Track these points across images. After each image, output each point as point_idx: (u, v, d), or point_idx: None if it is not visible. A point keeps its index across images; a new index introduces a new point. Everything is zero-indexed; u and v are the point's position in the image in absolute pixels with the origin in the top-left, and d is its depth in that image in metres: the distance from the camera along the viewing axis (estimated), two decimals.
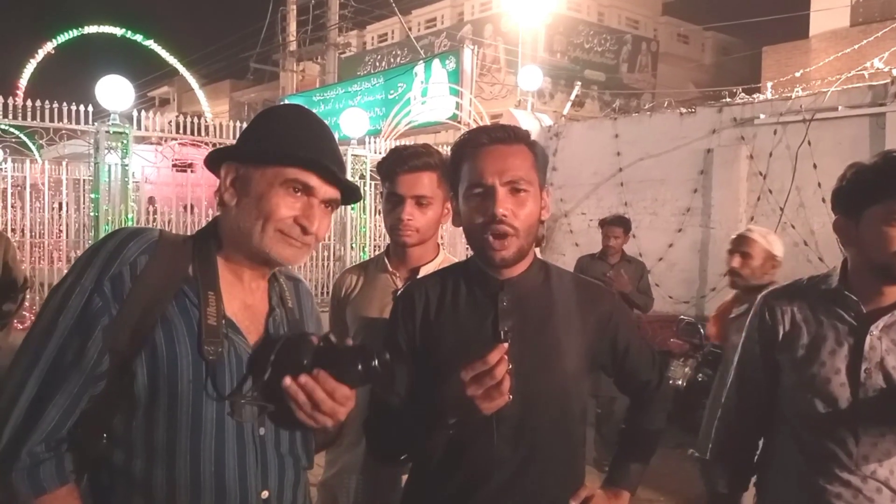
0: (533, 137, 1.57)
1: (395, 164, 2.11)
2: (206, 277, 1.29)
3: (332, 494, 2.27)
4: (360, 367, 1.22)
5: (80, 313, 1.20)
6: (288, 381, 1.21)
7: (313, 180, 1.29)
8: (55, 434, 1.20)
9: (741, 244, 3.30)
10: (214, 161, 1.34)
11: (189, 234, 1.41)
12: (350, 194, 1.38)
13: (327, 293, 8.99)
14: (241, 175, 1.30)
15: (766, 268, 3.27)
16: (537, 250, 1.68)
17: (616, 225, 5.45)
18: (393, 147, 2.31)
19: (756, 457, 1.86)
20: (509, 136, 1.50)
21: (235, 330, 1.30)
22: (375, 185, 9.13)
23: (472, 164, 1.49)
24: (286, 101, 15.06)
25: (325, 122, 1.39)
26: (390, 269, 2.21)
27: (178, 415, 1.23)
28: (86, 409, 1.22)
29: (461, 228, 1.55)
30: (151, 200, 8.57)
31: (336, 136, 1.44)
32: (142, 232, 1.29)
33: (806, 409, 1.66)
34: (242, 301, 1.34)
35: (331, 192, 1.32)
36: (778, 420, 1.76)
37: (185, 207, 8.41)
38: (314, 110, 1.44)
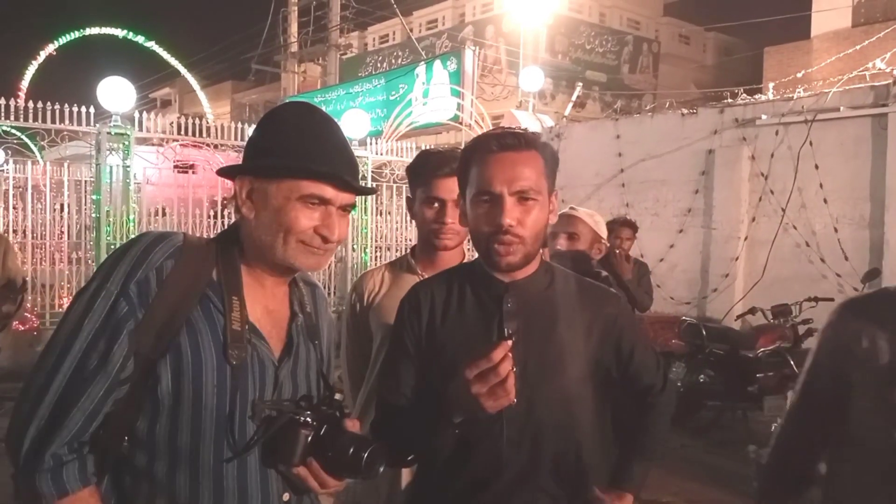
0: None
1: (434, 168, 2.08)
2: (230, 282, 1.30)
3: (353, 501, 2.21)
4: (353, 460, 1.25)
5: (105, 317, 1.21)
6: (282, 468, 1.28)
7: (329, 192, 1.29)
8: (79, 437, 1.21)
9: (568, 224, 2.90)
10: (227, 172, 1.36)
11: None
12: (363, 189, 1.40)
13: (329, 294, 9.01)
14: (257, 188, 1.30)
15: (592, 252, 2.93)
16: (543, 251, 1.67)
17: (626, 227, 5.47)
18: (422, 151, 2.28)
19: (816, 471, 1.68)
20: (519, 142, 1.49)
21: (258, 335, 1.31)
22: (377, 185, 9.14)
23: (480, 170, 1.49)
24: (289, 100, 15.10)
25: (332, 119, 1.39)
26: (419, 272, 2.16)
27: (201, 418, 1.24)
28: (109, 411, 1.23)
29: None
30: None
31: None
32: (167, 236, 1.30)
33: (881, 439, 1.46)
34: (265, 306, 1.36)
35: (347, 198, 1.33)
36: (848, 441, 1.56)
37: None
38: (326, 112, 1.43)
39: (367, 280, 2.26)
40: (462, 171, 1.55)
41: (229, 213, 8.63)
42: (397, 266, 2.26)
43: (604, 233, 2.98)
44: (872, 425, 1.48)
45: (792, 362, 5.08)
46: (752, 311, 5.88)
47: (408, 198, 2.26)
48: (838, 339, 1.55)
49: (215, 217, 8.64)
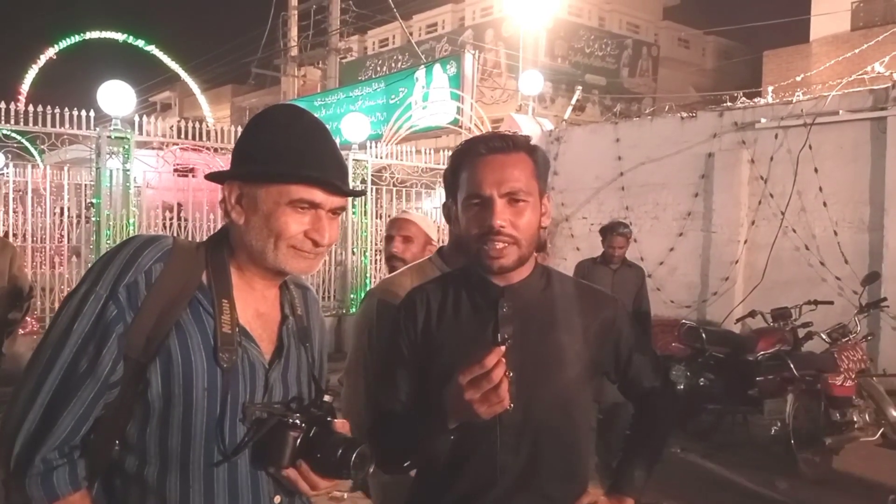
0: (534, 142, 1.56)
1: None
2: (219, 285, 1.30)
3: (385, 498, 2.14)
4: (341, 460, 1.25)
5: (95, 320, 1.21)
6: (272, 470, 1.28)
7: (318, 196, 1.29)
8: (69, 441, 1.21)
9: (402, 228, 2.98)
10: (216, 178, 1.35)
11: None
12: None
13: (328, 298, 9.01)
14: (246, 193, 1.29)
15: (424, 252, 2.91)
16: (540, 255, 1.66)
17: (619, 235, 5.46)
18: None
19: None
20: (508, 145, 1.49)
21: (249, 338, 1.31)
22: (377, 189, 9.15)
23: (470, 173, 1.49)
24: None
25: (321, 122, 1.38)
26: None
27: (192, 422, 1.24)
28: (100, 415, 1.23)
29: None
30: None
31: (337, 140, 1.44)
32: (156, 240, 1.29)
33: None
34: (255, 309, 1.35)
35: (337, 201, 1.32)
36: None
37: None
38: (315, 115, 1.42)
39: (394, 287, 2.08)
40: (451, 176, 1.55)
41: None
42: (427, 269, 2.10)
43: (434, 235, 3.04)
44: None
45: (792, 365, 5.08)
46: (752, 314, 5.88)
47: (444, 203, 2.15)
48: None
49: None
